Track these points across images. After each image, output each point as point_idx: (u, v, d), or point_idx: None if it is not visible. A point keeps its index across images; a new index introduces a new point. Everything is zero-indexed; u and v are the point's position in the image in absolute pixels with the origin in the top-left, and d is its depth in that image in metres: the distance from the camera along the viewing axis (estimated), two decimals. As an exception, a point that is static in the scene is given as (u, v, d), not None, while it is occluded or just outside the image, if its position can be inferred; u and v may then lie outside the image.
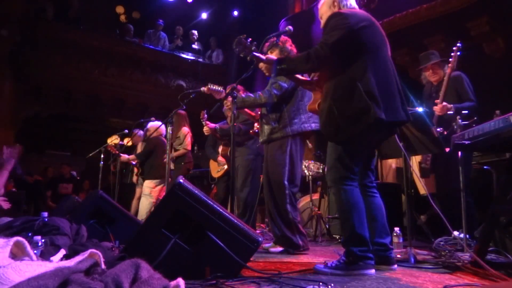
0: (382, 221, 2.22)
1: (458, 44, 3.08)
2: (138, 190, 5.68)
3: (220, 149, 4.48)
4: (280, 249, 2.98)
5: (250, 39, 2.40)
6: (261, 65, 2.35)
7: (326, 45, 2.06)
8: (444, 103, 3.16)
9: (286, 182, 2.98)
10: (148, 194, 5.00)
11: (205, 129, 4.12)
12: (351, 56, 2.07)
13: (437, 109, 3.20)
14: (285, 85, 3.02)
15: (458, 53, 3.09)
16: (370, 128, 2.01)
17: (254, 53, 2.37)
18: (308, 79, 2.54)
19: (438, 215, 3.65)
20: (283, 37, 3.07)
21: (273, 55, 3.20)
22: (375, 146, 2.43)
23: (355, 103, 2.00)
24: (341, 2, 2.27)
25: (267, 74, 2.38)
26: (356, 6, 2.32)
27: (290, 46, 3.11)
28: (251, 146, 3.89)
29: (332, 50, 2.05)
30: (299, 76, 2.52)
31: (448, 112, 3.14)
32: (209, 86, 3.33)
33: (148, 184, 5.04)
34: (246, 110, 3.41)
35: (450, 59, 3.14)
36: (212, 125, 4.09)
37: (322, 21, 2.33)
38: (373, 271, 2.01)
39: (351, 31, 2.05)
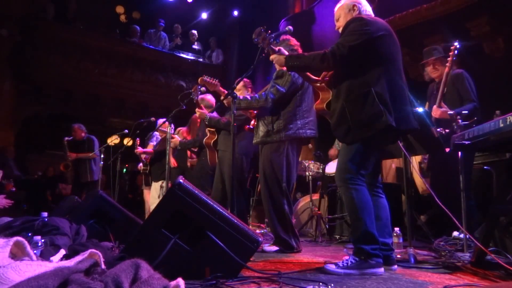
0: (386, 221, 2.25)
1: (455, 44, 3.06)
2: (146, 192, 5.65)
3: (207, 135, 4.28)
4: (275, 248, 2.99)
5: (270, 31, 2.41)
6: (273, 57, 2.39)
7: (344, 46, 2.09)
8: (444, 109, 3.12)
9: (284, 184, 2.99)
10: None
11: (197, 110, 3.96)
12: (367, 61, 2.12)
13: (435, 113, 3.16)
14: (283, 90, 3.01)
15: (456, 51, 3.06)
16: (381, 133, 2.07)
17: (271, 46, 2.39)
18: (318, 78, 2.55)
19: (438, 215, 3.66)
20: (286, 36, 3.07)
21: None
22: (383, 149, 2.48)
23: (368, 108, 2.04)
24: (361, 8, 2.31)
25: (278, 67, 2.39)
26: (373, 14, 2.35)
27: (293, 43, 3.13)
28: (239, 143, 3.69)
29: (349, 52, 2.08)
30: (309, 74, 2.52)
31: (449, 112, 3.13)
32: (203, 77, 3.32)
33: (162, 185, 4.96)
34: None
35: (448, 59, 3.12)
36: (205, 110, 4.00)
37: (338, 23, 2.37)
38: (382, 269, 2.02)
39: (370, 38, 2.09)
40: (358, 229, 2.07)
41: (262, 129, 3.11)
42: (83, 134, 6.04)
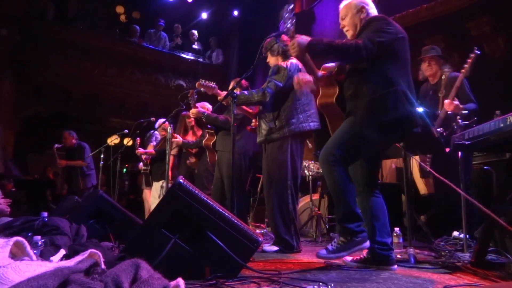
0: (384, 221, 2.25)
1: (476, 51, 3.07)
2: (146, 192, 5.65)
3: (205, 137, 4.31)
4: (275, 248, 2.98)
5: (293, 16, 2.25)
6: (293, 41, 2.11)
7: (373, 42, 2.05)
8: (457, 102, 3.15)
9: (289, 182, 2.98)
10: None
11: (192, 111, 3.98)
12: (389, 60, 2.12)
13: (448, 107, 3.18)
14: (280, 84, 3.01)
15: (474, 60, 3.08)
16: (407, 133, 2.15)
17: (292, 28, 2.19)
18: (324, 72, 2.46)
19: (438, 215, 3.66)
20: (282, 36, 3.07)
21: (273, 60, 3.21)
22: (386, 148, 2.49)
23: (400, 109, 2.05)
24: (368, 10, 2.29)
25: (294, 54, 2.16)
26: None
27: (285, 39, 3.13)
28: (237, 143, 3.63)
29: (378, 48, 2.06)
30: (315, 68, 2.39)
31: (449, 112, 3.14)
32: (200, 81, 3.32)
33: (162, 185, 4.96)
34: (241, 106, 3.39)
35: (465, 65, 3.13)
36: (200, 109, 4.00)
37: (343, 22, 2.32)
38: (368, 243, 2.13)
39: (394, 38, 2.11)
40: (341, 209, 2.13)
41: (264, 127, 3.10)
42: (73, 141, 5.99)
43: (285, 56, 3.19)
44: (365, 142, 2.13)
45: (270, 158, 3.06)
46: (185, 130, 5.11)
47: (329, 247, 2.12)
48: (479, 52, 3.06)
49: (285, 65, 3.08)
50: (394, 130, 2.11)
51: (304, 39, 2.10)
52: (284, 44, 3.08)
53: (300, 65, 3.16)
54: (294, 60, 3.17)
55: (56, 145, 5.86)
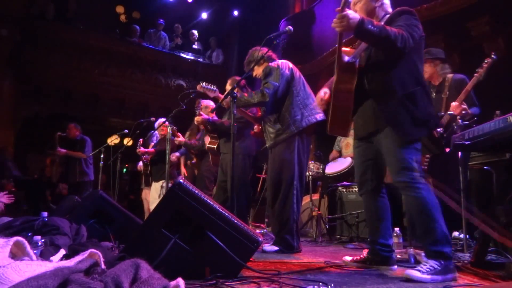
0: (387, 223, 2.25)
1: (493, 56, 3.06)
2: (145, 192, 5.65)
3: (207, 141, 4.32)
4: (275, 248, 2.98)
5: None
6: (343, 15, 1.92)
7: (413, 36, 2.00)
8: (465, 106, 3.15)
9: (296, 182, 2.98)
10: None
11: (196, 118, 4.00)
12: (416, 58, 2.10)
13: (456, 109, 3.18)
14: (276, 84, 3.00)
15: (489, 65, 3.08)
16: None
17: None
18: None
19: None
20: (261, 48, 3.06)
21: (261, 68, 3.21)
22: None
23: (426, 107, 2.04)
24: (383, 0, 2.25)
25: (339, 29, 1.97)
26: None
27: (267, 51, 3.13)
28: (240, 145, 3.73)
29: (413, 43, 2.02)
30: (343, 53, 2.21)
31: (449, 112, 3.14)
32: (201, 84, 3.33)
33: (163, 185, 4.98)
34: (242, 110, 3.37)
35: (479, 69, 3.12)
36: (205, 116, 4.02)
37: (355, 7, 2.23)
38: (456, 273, 1.90)
39: (421, 35, 2.09)
40: (435, 231, 1.91)
41: (271, 131, 3.12)
42: (77, 133, 6.05)
43: (270, 60, 3.22)
44: (418, 143, 2.07)
45: (277, 159, 3.07)
46: (197, 132, 5.14)
47: (421, 269, 1.84)
48: (495, 57, 3.05)
49: (275, 65, 3.09)
50: (421, 129, 2.05)
51: (356, 14, 1.95)
52: (266, 50, 3.07)
53: (292, 65, 3.17)
54: (283, 60, 3.18)
55: (59, 133, 5.92)
